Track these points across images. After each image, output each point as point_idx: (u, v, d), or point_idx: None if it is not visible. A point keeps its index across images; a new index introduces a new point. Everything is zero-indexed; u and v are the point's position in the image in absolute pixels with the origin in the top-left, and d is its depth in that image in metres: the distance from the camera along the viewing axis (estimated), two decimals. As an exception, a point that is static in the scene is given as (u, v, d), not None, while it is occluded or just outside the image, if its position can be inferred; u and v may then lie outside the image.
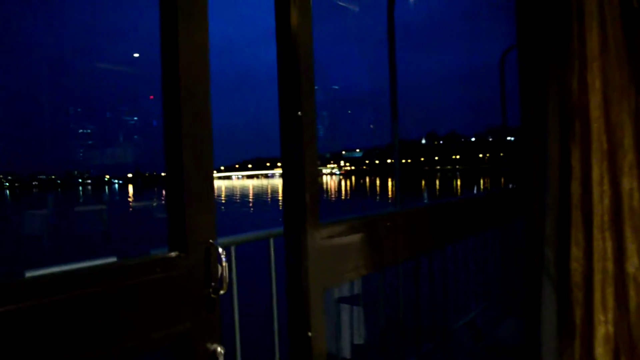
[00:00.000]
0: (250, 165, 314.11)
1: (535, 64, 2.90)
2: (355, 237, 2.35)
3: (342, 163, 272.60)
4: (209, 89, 1.64)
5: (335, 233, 2.19)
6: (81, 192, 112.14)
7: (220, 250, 1.54)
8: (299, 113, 1.93)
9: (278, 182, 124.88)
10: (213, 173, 1.66)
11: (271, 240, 2.87)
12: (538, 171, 2.88)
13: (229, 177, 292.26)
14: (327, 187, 76.93)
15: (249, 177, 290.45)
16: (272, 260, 2.86)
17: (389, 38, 3.31)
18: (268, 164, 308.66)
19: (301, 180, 1.96)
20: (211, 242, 1.55)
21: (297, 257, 1.94)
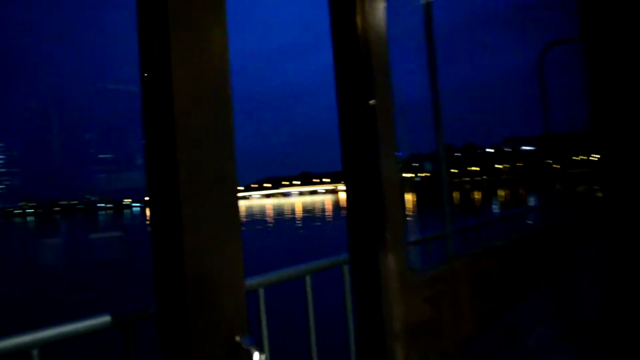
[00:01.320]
0: (267, 185, 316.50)
1: (613, 58, 2.51)
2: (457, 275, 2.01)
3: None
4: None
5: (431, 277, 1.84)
6: (101, 217, 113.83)
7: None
8: (371, 102, 1.61)
9: (295, 201, 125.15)
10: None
11: (307, 278, 2.41)
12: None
13: (246, 197, 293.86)
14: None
15: (267, 196, 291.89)
16: (309, 303, 2.37)
17: (427, 40, 3.01)
18: (285, 183, 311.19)
19: (377, 189, 1.60)
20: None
21: (375, 296, 1.58)
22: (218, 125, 1.11)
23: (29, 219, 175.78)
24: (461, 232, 4.19)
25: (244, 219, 50.59)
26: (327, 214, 49.61)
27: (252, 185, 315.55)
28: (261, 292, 2.12)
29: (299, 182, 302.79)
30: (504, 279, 2.43)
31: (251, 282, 2.06)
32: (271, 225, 39.43)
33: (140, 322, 1.62)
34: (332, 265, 2.55)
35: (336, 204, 79.29)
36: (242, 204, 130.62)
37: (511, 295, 2.52)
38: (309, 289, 2.38)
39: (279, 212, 61.55)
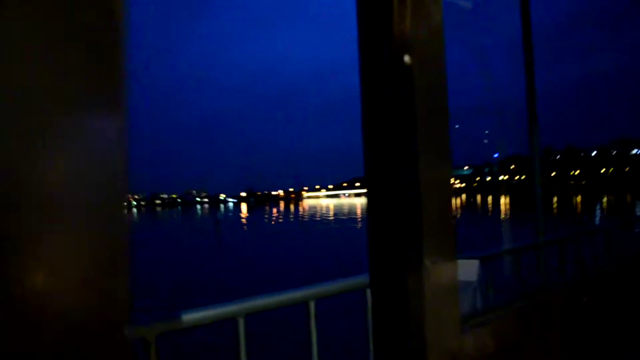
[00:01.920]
0: (358, 184, 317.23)
1: None
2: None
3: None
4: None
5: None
6: (198, 210, 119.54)
7: None
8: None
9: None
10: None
11: (368, 292, 2.05)
12: None
13: (336, 196, 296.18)
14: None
15: (357, 195, 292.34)
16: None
17: (524, 38, 2.78)
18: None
19: (412, 197, 1.42)
20: None
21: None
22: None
23: (133, 210, 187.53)
24: (552, 244, 3.38)
25: (332, 217, 50.93)
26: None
27: (343, 184, 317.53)
28: (312, 305, 1.95)
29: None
30: (614, 323, 1.94)
31: (296, 294, 1.95)
32: (360, 223, 39.50)
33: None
34: (345, 290, 2.13)
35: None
36: (332, 202, 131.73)
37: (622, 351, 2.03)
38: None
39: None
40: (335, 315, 7.70)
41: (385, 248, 1.42)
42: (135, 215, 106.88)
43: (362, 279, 2.03)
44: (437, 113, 1.50)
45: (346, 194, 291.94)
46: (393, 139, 1.43)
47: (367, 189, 1.53)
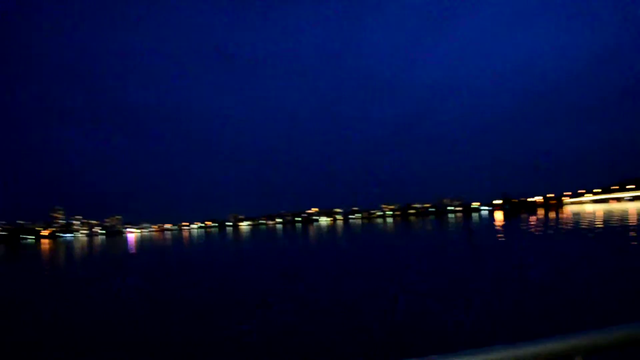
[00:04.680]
0: (631, 186, 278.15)
1: None
2: None
3: None
4: None
5: None
6: (450, 219, 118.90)
7: None
8: None
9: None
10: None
11: None
12: None
13: (604, 201, 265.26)
14: None
15: (631, 199, 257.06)
16: None
17: None
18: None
19: None
20: None
21: None
22: None
23: (388, 220, 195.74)
24: None
25: (599, 225, 45.76)
26: None
27: (613, 187, 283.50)
28: None
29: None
30: None
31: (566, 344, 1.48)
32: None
33: None
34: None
35: None
36: (599, 208, 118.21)
37: None
38: None
39: (646, 218, 53.27)
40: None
41: None
42: (391, 223, 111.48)
43: None
44: None
45: (618, 198, 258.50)
46: None
47: None
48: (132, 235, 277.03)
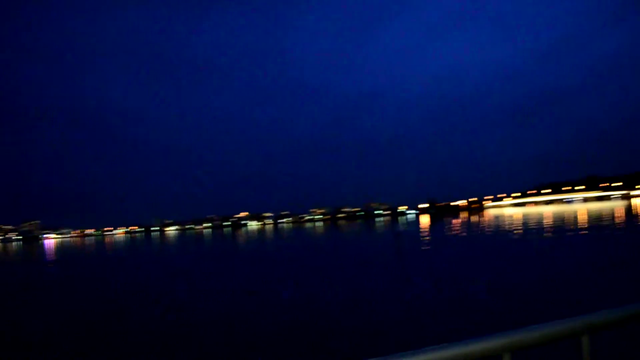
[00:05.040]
0: (546, 191, 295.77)
1: None
2: None
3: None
4: None
5: None
6: (378, 223, 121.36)
7: None
8: None
9: (578, 208, 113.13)
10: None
11: (584, 340, 1.65)
12: None
13: (522, 205, 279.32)
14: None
15: (546, 202, 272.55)
16: None
17: None
18: (567, 188, 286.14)
19: None
20: None
21: None
22: None
23: (317, 224, 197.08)
24: None
25: (518, 227, 48.01)
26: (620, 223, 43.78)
27: (530, 192, 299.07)
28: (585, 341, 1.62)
29: (582, 187, 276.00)
30: None
31: (563, 326, 1.57)
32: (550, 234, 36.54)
33: None
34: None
35: (629, 211, 69.43)
36: (517, 212, 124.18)
37: None
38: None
39: (562, 221, 56.52)
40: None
41: None
42: (321, 227, 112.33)
43: None
44: None
45: (533, 202, 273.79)
46: None
47: None
48: (51, 241, 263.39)
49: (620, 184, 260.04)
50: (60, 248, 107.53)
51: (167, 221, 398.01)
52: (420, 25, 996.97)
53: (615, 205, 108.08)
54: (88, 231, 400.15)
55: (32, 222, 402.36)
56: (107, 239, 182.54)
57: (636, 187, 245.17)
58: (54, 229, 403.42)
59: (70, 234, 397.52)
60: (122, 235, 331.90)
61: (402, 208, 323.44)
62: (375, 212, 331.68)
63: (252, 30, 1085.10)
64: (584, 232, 36.16)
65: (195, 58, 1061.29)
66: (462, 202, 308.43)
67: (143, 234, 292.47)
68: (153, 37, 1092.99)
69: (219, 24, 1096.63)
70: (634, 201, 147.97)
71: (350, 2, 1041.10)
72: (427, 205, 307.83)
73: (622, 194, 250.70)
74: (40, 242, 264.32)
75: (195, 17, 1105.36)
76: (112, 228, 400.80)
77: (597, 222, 47.73)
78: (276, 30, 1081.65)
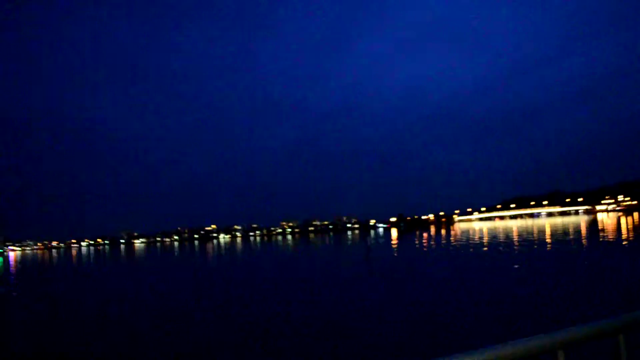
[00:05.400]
0: (512, 205, 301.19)
1: None
2: None
3: (620, 198, 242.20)
4: None
5: None
6: (349, 236, 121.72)
7: None
8: None
9: (543, 222, 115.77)
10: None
11: (621, 339, 1.74)
12: None
13: (490, 219, 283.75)
14: (603, 226, 68.19)
15: (512, 217, 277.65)
16: None
17: None
18: (533, 203, 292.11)
19: None
20: None
21: None
22: None
23: (288, 237, 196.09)
24: None
25: (486, 242, 48.69)
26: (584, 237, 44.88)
27: (497, 206, 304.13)
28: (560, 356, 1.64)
29: (546, 202, 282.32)
30: None
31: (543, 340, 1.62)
32: (517, 248, 37.18)
33: None
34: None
35: (594, 226, 71.18)
36: (485, 226, 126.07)
37: None
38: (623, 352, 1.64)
39: (527, 235, 57.61)
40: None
41: None
42: (291, 240, 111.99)
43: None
44: None
45: (499, 217, 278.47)
46: None
47: None
48: (12, 254, 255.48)
49: (582, 199, 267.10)
50: (21, 261, 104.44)
51: (134, 233, 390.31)
52: (389, 42, 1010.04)
53: (579, 220, 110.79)
54: (53, 243, 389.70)
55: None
56: (72, 252, 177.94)
57: (601, 202, 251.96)
58: (16, 241, 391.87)
59: (34, 246, 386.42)
60: (86, 247, 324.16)
61: (372, 222, 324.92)
62: (347, 225, 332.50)
63: (223, 44, 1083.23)
64: (536, 246, 36.93)
65: (166, 70, 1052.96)
66: (431, 216, 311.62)
67: (109, 246, 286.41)
68: (122, 49, 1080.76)
69: (191, 37, 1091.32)
70: (599, 215, 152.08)
71: (319, 20, 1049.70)
72: (395, 219, 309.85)
73: (586, 209, 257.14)
74: (3, 254, 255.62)
75: (167, 28, 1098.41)
76: (76, 240, 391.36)
77: (561, 237, 48.70)
78: (248, 45, 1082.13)
